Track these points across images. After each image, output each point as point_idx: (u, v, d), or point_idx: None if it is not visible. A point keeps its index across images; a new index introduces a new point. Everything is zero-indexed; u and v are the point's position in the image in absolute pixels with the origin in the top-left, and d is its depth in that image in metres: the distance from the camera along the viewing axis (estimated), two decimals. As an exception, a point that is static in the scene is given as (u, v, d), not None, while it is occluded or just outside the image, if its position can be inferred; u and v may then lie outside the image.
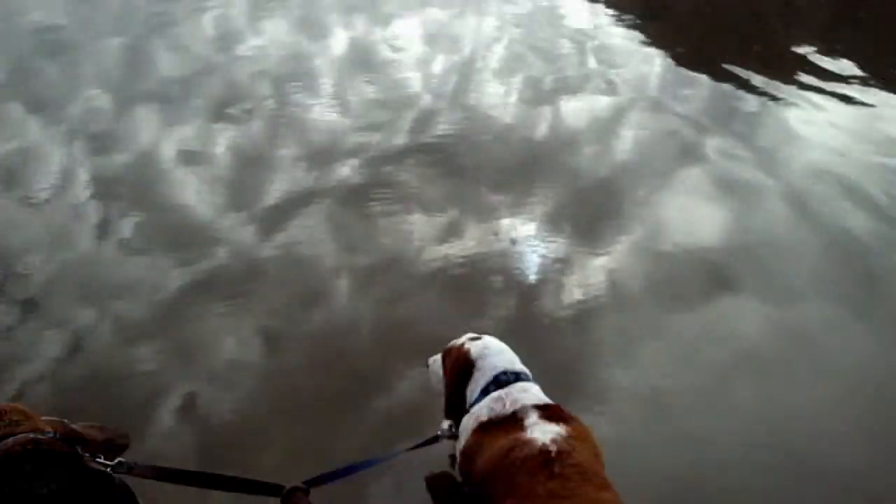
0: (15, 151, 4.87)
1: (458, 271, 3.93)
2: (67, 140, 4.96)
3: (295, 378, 3.38)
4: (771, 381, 3.33)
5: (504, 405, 2.17)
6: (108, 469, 2.12)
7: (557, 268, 3.96)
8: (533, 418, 2.11)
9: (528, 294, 3.81)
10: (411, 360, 3.28)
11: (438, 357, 2.61)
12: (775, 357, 3.44)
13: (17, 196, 4.51)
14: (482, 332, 2.59)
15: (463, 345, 2.46)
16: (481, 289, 3.82)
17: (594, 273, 3.95)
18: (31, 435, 2.08)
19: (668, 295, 3.82)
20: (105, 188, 4.55)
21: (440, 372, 2.55)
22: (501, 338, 2.52)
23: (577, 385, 3.31)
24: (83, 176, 4.64)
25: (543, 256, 4.03)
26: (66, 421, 2.27)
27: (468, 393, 2.34)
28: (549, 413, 2.13)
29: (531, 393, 2.22)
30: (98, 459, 2.14)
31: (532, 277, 3.90)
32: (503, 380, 2.27)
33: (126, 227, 4.25)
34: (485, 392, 2.27)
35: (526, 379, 2.31)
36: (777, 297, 3.78)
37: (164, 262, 4.01)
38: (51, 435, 2.09)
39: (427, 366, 2.68)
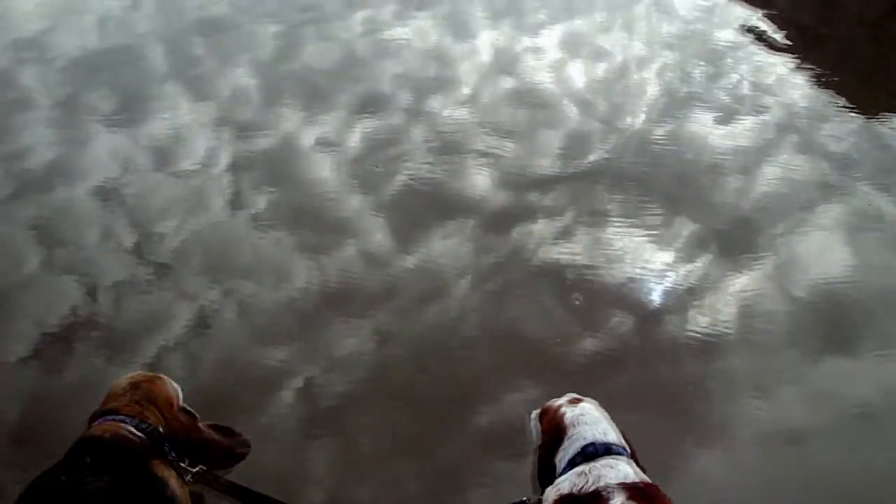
0: (167, 127, 5.13)
1: (586, 289, 3.84)
2: (215, 119, 5.18)
3: (405, 377, 3.44)
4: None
5: (587, 481, 1.98)
6: (189, 477, 2.15)
7: (687, 296, 3.80)
8: (617, 500, 1.90)
9: (652, 319, 3.68)
10: (523, 377, 3.35)
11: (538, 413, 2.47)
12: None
13: (163, 167, 4.76)
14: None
15: (560, 408, 2.31)
16: (608, 313, 3.72)
17: (724, 304, 3.76)
18: (124, 421, 2.09)
19: (805, 335, 3.61)
20: (244, 166, 4.73)
21: (537, 430, 2.41)
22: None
23: (700, 415, 3.25)
24: (226, 153, 4.84)
25: (674, 283, 3.88)
26: (195, 416, 2.33)
27: (557, 462, 2.17)
28: (636, 494, 1.91)
29: (619, 470, 2.01)
30: (181, 464, 2.16)
31: (660, 303, 3.78)
32: (590, 452, 2.08)
33: (259, 202, 4.43)
34: (572, 464, 2.09)
35: (618, 452, 2.11)
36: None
37: (290, 240, 4.15)
38: (142, 427, 2.10)
39: (530, 418, 2.51)
